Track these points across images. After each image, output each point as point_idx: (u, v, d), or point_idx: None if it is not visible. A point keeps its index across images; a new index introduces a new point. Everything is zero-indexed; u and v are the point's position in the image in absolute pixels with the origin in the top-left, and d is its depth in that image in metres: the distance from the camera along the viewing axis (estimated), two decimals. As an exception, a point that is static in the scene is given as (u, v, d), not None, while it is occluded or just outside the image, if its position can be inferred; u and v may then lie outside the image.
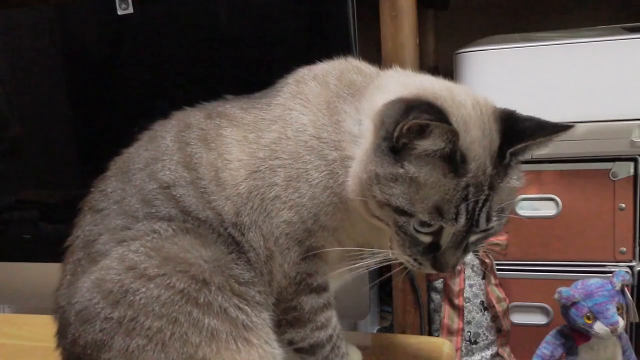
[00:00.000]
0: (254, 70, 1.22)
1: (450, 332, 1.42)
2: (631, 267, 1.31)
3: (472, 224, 0.65)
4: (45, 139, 1.40)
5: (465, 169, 0.63)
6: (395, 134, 0.63)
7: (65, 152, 1.40)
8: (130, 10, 1.22)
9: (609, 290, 1.08)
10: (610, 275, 1.11)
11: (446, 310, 1.42)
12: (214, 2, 1.22)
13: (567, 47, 1.27)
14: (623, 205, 1.31)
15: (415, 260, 0.69)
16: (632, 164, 1.30)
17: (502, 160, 0.66)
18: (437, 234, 0.66)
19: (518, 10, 1.82)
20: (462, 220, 0.64)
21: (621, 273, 1.11)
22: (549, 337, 1.16)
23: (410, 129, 0.62)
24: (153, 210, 0.75)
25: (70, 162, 1.40)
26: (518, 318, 1.42)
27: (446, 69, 1.49)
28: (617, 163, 1.30)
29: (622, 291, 1.10)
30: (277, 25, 1.20)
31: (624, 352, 1.13)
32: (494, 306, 1.38)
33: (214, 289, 0.71)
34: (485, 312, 1.40)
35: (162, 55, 1.28)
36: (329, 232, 0.74)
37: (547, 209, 1.36)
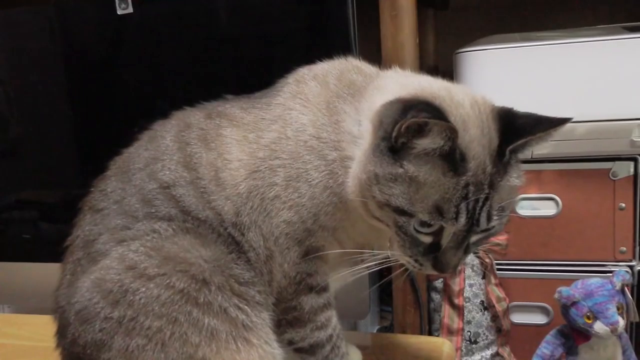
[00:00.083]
0: (254, 70, 1.22)
1: (450, 332, 1.42)
2: (631, 267, 1.30)
3: (472, 224, 0.65)
4: (45, 139, 1.40)
5: (465, 168, 0.63)
6: (394, 134, 0.64)
7: (65, 152, 1.40)
8: (130, 10, 1.22)
9: (609, 289, 1.08)
10: (610, 274, 1.11)
11: (446, 310, 1.42)
12: (214, 2, 1.22)
13: (567, 46, 1.27)
14: (623, 204, 1.31)
15: (415, 261, 0.69)
16: (632, 164, 1.30)
17: (502, 158, 0.66)
18: (438, 234, 0.66)
19: (518, 10, 1.82)
20: (463, 219, 0.64)
21: (621, 273, 1.11)
22: (549, 337, 1.16)
23: (409, 127, 0.62)
24: (153, 210, 0.75)
25: (70, 162, 1.40)
26: (518, 318, 1.42)
27: (446, 69, 1.49)
28: (617, 163, 1.30)
29: (622, 291, 1.10)
30: (277, 25, 1.20)
31: (624, 352, 1.13)
32: (494, 306, 1.38)
33: (214, 288, 0.71)
34: (485, 312, 1.40)
35: (162, 55, 1.28)
36: (328, 232, 0.74)
37: (547, 209, 1.36)
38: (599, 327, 1.06)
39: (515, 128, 0.66)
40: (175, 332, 0.68)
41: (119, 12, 1.23)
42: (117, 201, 0.77)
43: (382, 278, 1.04)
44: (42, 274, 1.29)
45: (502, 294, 1.39)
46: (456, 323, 1.41)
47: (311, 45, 1.19)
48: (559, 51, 1.27)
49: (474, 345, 1.40)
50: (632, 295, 1.18)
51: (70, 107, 1.36)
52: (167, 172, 0.76)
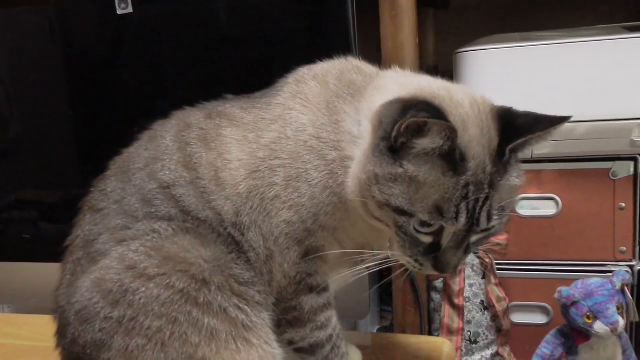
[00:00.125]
0: (254, 70, 1.22)
1: (450, 332, 1.42)
2: (631, 267, 1.30)
3: (472, 223, 0.65)
4: (45, 139, 1.40)
5: (465, 167, 0.63)
6: (394, 134, 0.63)
7: (65, 152, 1.40)
8: (130, 9, 1.22)
9: (609, 289, 1.08)
10: (611, 274, 1.11)
11: (446, 309, 1.42)
12: (213, 2, 1.22)
13: (567, 46, 1.27)
14: (623, 204, 1.31)
15: (416, 261, 0.69)
16: (632, 164, 1.30)
17: (502, 157, 0.66)
18: (438, 234, 0.66)
19: (518, 10, 1.82)
20: (463, 219, 0.64)
21: (621, 272, 1.11)
22: (549, 337, 1.16)
23: (409, 127, 0.62)
24: (153, 210, 0.75)
25: (70, 162, 1.40)
26: (518, 318, 1.42)
27: (446, 68, 1.48)
28: (617, 162, 1.30)
29: (622, 291, 1.10)
30: (277, 25, 1.20)
31: (624, 352, 1.13)
32: (494, 306, 1.38)
33: (214, 288, 0.71)
34: (485, 312, 1.40)
35: (162, 55, 1.28)
36: (328, 232, 0.74)
37: (547, 209, 1.36)
38: (599, 327, 1.06)
39: (515, 127, 0.66)
40: (175, 332, 0.68)
41: (119, 12, 1.23)
42: (117, 201, 0.77)
43: (383, 278, 1.04)
44: (42, 274, 1.29)
45: (502, 294, 1.39)
46: (456, 323, 1.41)
47: (311, 45, 1.19)
48: (559, 51, 1.27)
49: (474, 345, 1.41)
50: (632, 295, 1.18)
51: (70, 107, 1.36)
52: (167, 172, 0.76)
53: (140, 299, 0.69)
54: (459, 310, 1.41)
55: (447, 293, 1.42)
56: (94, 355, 0.70)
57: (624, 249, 1.32)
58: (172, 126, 0.80)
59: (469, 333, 1.41)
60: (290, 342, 0.77)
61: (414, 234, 0.66)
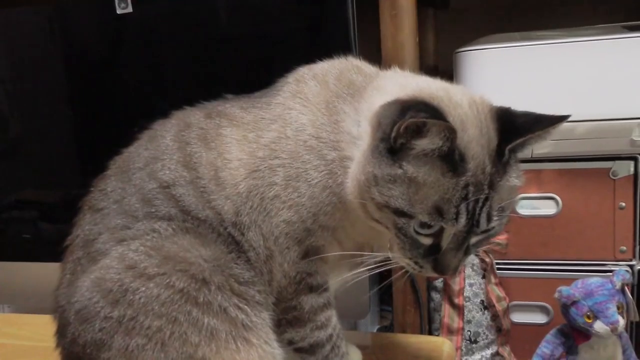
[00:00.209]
0: (254, 70, 1.22)
1: (450, 332, 1.42)
2: (631, 266, 1.30)
3: (472, 224, 0.65)
4: (45, 139, 1.40)
5: (464, 168, 0.63)
6: (393, 135, 0.63)
7: (65, 151, 1.40)
8: (130, 9, 1.22)
9: (609, 289, 1.08)
10: (611, 274, 1.11)
11: (446, 309, 1.42)
12: (213, 2, 1.22)
13: (567, 46, 1.27)
14: (623, 204, 1.31)
15: (416, 263, 0.68)
16: (632, 163, 1.30)
17: (501, 158, 0.66)
18: (438, 235, 0.66)
19: (518, 10, 1.82)
20: (463, 220, 0.64)
21: (621, 272, 1.11)
22: (549, 336, 1.16)
23: (408, 128, 0.62)
24: (153, 210, 0.75)
25: (70, 161, 1.40)
26: (518, 317, 1.42)
27: (446, 68, 1.48)
28: (617, 162, 1.30)
29: (622, 290, 1.10)
30: (277, 25, 1.20)
31: (624, 351, 1.13)
32: (494, 305, 1.38)
33: (214, 288, 0.71)
34: (485, 311, 1.40)
35: (162, 55, 1.28)
36: (328, 231, 0.74)
37: (547, 208, 1.36)
38: (599, 326, 1.06)
39: (514, 127, 0.66)
40: (175, 331, 0.68)
41: (119, 11, 1.23)
42: (117, 201, 0.77)
43: (383, 279, 1.04)
44: (42, 273, 1.29)
45: (502, 294, 1.39)
46: (456, 322, 1.41)
47: (311, 45, 1.19)
48: (559, 51, 1.27)
49: (474, 345, 1.41)
50: (632, 294, 1.18)
51: (70, 107, 1.36)
52: (167, 172, 0.76)
53: (140, 298, 0.69)
54: (459, 309, 1.41)
55: (447, 293, 1.42)
56: (94, 354, 0.70)
57: (624, 248, 1.32)
58: (172, 126, 0.80)
59: (469, 333, 1.41)
60: (290, 342, 0.77)
61: (414, 236, 0.66)
